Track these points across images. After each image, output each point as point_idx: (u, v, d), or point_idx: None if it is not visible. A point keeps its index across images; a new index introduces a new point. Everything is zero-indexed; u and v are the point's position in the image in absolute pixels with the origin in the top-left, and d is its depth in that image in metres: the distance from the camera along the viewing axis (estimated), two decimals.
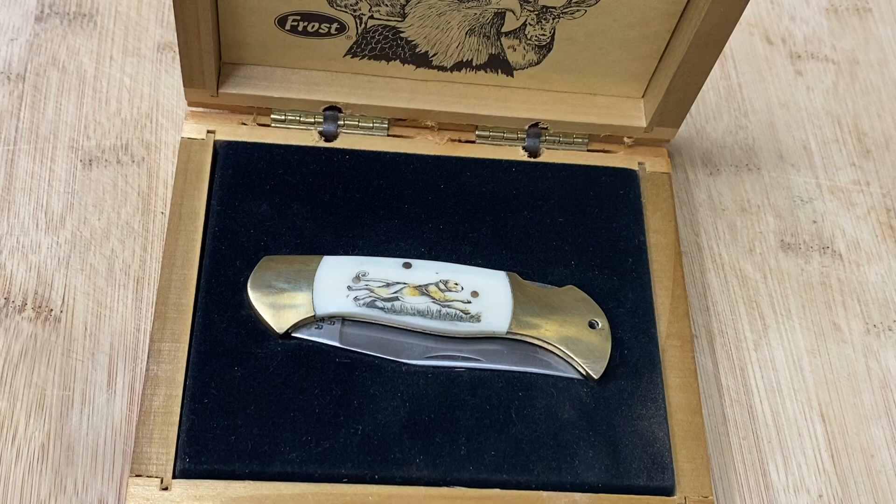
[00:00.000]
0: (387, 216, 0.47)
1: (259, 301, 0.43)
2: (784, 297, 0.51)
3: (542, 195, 0.49)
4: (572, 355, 0.44)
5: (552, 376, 0.44)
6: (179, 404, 0.41)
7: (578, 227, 0.48)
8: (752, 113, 0.57)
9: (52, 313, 0.46)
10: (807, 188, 0.55)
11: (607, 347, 0.44)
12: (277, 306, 0.43)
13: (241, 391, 0.42)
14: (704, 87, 0.56)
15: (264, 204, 0.46)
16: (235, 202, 0.46)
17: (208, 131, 0.48)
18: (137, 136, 0.51)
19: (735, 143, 0.56)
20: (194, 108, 0.48)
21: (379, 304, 0.43)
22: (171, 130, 0.50)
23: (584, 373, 0.44)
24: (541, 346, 0.44)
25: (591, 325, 0.45)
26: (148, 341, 0.44)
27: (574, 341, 0.44)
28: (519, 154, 0.50)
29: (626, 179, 0.50)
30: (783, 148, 0.56)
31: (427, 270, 0.44)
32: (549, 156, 0.50)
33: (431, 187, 0.48)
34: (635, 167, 0.50)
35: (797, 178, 0.55)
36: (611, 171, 0.50)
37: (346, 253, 0.46)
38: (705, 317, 0.50)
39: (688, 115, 0.54)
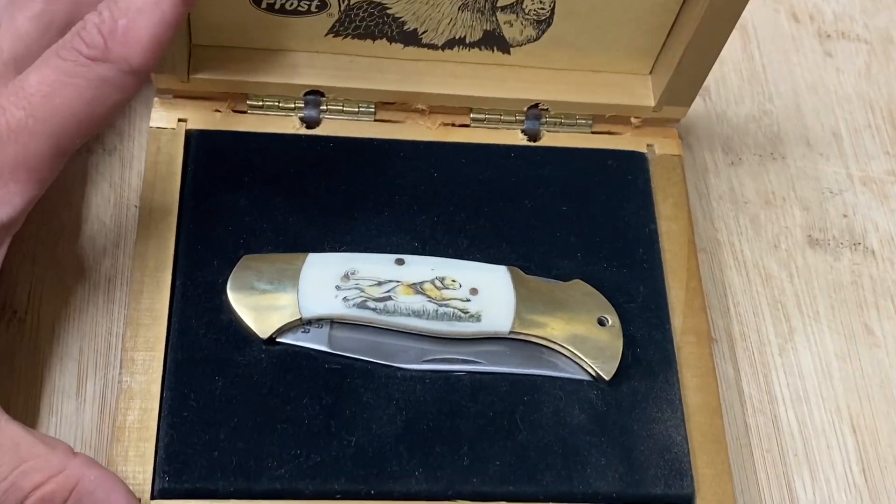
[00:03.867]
0: (376, 208, 0.49)
1: (240, 304, 0.45)
2: (812, 297, 0.52)
3: (544, 182, 0.51)
4: (581, 355, 0.46)
5: (560, 378, 0.46)
6: (156, 418, 0.43)
7: (584, 215, 0.50)
8: (778, 97, 0.57)
9: (16, 315, 0.47)
10: (836, 179, 0.56)
11: (618, 346, 0.46)
12: (260, 309, 0.45)
13: (222, 402, 0.43)
14: (725, 69, 0.58)
15: (242, 198, 0.48)
16: (211, 197, 0.48)
17: (179, 120, 0.49)
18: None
19: (758, 130, 0.56)
20: (164, 96, 0.49)
21: (370, 304, 0.45)
22: (147, 117, 0.51)
23: (594, 374, 0.46)
24: (546, 346, 0.46)
25: (601, 322, 0.47)
26: (120, 346, 0.45)
27: (582, 340, 0.46)
28: (518, 138, 0.52)
29: (634, 163, 0.52)
30: (811, 135, 0.57)
31: (421, 267, 0.46)
32: (550, 139, 0.52)
33: (424, 176, 0.50)
34: (644, 149, 0.52)
35: (826, 167, 0.56)
36: (617, 155, 0.52)
37: (333, 249, 0.47)
38: (726, 319, 0.51)
39: (707, 98, 0.56)
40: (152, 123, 0.49)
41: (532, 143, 0.52)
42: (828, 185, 0.56)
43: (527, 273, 0.47)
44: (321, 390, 0.44)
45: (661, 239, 0.50)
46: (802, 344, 0.51)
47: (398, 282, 0.45)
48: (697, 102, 0.52)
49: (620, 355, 0.46)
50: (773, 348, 0.51)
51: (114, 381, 0.45)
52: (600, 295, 0.47)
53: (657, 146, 0.52)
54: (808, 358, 0.51)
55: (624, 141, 0.52)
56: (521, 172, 0.51)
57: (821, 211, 0.55)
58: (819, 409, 0.50)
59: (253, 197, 0.48)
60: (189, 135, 0.49)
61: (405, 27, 0.49)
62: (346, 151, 0.50)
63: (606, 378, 0.46)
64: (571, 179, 0.51)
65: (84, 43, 0.37)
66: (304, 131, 0.50)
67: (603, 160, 0.52)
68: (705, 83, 0.54)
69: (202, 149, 0.49)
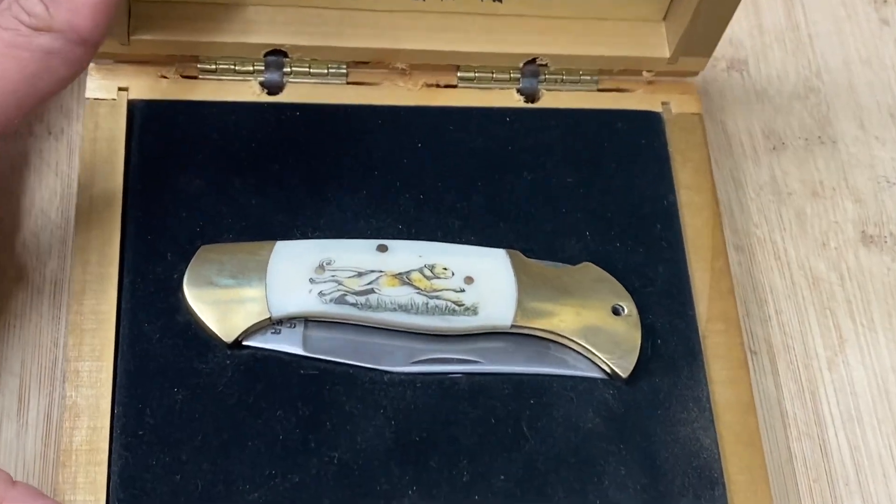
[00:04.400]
0: (352, 187, 0.47)
1: (199, 303, 0.44)
2: (865, 302, 0.52)
3: (545, 150, 0.49)
4: (594, 350, 0.44)
5: (570, 377, 0.45)
6: (107, 438, 0.41)
7: (592, 187, 0.49)
8: (827, 72, 0.57)
9: None
10: (895, 166, 0.55)
11: (636, 338, 0.45)
12: (222, 308, 0.43)
13: (183, 418, 0.42)
14: (766, 39, 0.57)
15: (197, 179, 0.47)
16: (160, 178, 0.46)
17: (120, 89, 0.48)
18: (56, 101, 0.51)
19: (804, 110, 0.56)
20: (100, 62, 0.47)
21: (350, 298, 0.43)
22: None
23: (609, 371, 0.45)
24: (554, 341, 0.45)
25: (615, 311, 0.45)
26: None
27: (595, 332, 0.45)
28: (513, 99, 0.50)
29: (648, 124, 0.50)
30: (865, 116, 0.56)
31: (408, 253, 0.45)
32: (550, 99, 0.51)
33: (406, 147, 0.48)
34: (658, 108, 0.51)
35: (882, 153, 0.55)
36: (628, 116, 0.50)
37: (305, 236, 0.46)
38: (766, 328, 0.50)
39: (744, 73, 0.55)
40: (88, 94, 0.47)
41: (530, 105, 0.50)
42: (884, 173, 0.55)
43: (529, 257, 0.46)
44: (297, 400, 0.43)
45: (680, 212, 0.49)
46: (855, 357, 0.50)
47: (381, 272, 0.44)
48: (734, 78, 0.52)
49: (639, 349, 0.45)
50: (821, 362, 0.50)
51: (61, 399, 0.44)
52: (614, 279, 0.46)
53: (673, 104, 0.51)
54: (861, 373, 0.50)
55: (635, 99, 0.51)
56: (519, 140, 0.49)
57: (876, 203, 0.54)
58: (874, 431, 0.49)
59: (209, 177, 0.47)
60: (132, 106, 0.48)
61: None
62: (314, 121, 0.48)
63: (623, 375, 0.44)
64: (576, 146, 0.49)
65: (24, 10, 0.36)
66: (265, 98, 0.49)
67: (611, 122, 0.50)
68: (743, 56, 0.55)
69: (148, 122, 0.47)
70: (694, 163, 0.50)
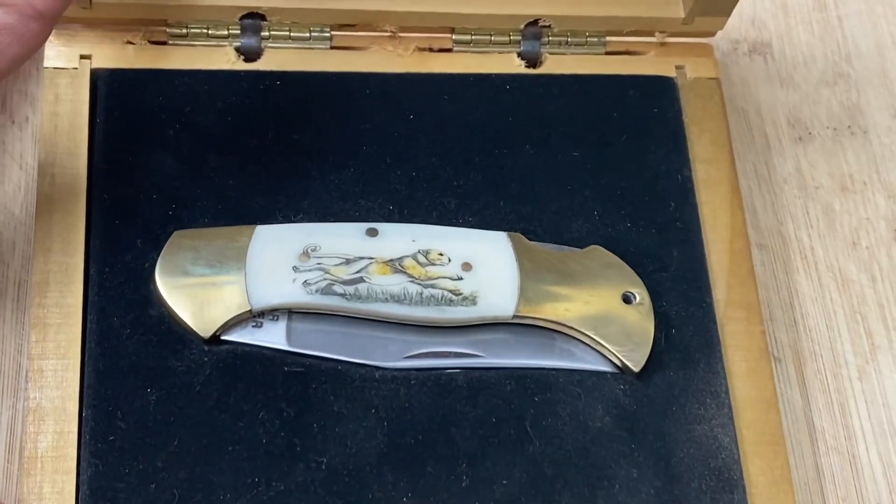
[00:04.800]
0: (339, 163, 0.46)
1: (173, 294, 0.43)
2: None
3: (549, 120, 0.48)
4: (603, 342, 0.44)
5: (577, 371, 0.44)
6: (75, 444, 0.41)
7: (600, 162, 0.48)
8: (857, 57, 0.56)
9: None
10: None
11: (649, 328, 0.44)
12: (199, 300, 0.43)
13: (158, 421, 0.41)
14: (791, 21, 0.56)
15: (169, 156, 0.45)
16: (129, 157, 0.45)
17: (82, 57, 0.47)
18: (20, 87, 0.50)
19: (833, 98, 0.55)
20: (61, 27, 0.46)
21: (337, 288, 0.42)
22: None
23: (619, 364, 0.44)
24: (560, 332, 0.44)
25: (626, 299, 0.44)
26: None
27: (604, 322, 0.44)
28: (514, 64, 0.50)
29: (661, 91, 0.49)
30: None
31: (400, 238, 0.44)
32: (554, 64, 0.50)
33: (397, 119, 0.48)
34: (672, 73, 0.50)
35: None
36: (639, 81, 0.49)
37: (288, 219, 0.45)
38: (792, 334, 0.49)
39: (768, 58, 0.54)
40: (46, 63, 0.46)
41: (532, 71, 0.50)
42: None
43: (532, 240, 0.45)
44: (281, 400, 0.42)
45: (696, 187, 0.48)
46: (888, 365, 0.49)
47: (371, 258, 0.43)
48: (756, 62, 0.52)
49: (652, 340, 0.44)
50: (852, 371, 0.49)
51: (26, 409, 0.43)
52: (624, 264, 0.45)
53: (689, 68, 0.50)
54: (894, 383, 0.49)
55: (647, 63, 0.50)
56: (520, 109, 0.48)
57: None
58: None
59: (182, 154, 0.46)
60: (95, 76, 0.47)
61: None
62: (296, 90, 0.47)
63: (635, 369, 0.44)
64: (583, 115, 0.49)
65: None
66: (241, 66, 0.48)
67: (621, 89, 0.49)
68: (766, 39, 0.54)
69: (113, 93, 0.46)
70: (711, 133, 0.49)
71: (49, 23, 0.37)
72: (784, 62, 0.55)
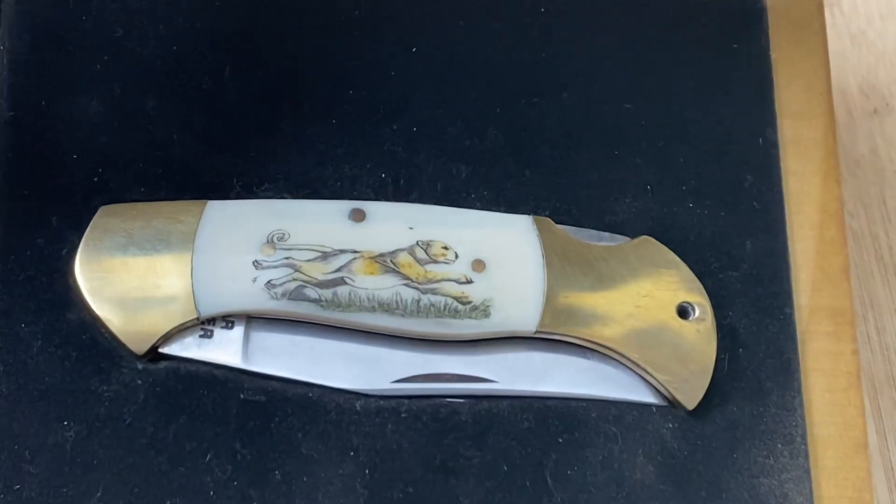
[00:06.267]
0: (316, 114, 0.41)
1: (98, 294, 0.37)
2: None
3: (593, 58, 0.42)
4: (649, 368, 0.38)
5: (615, 404, 0.39)
6: None
7: (657, 118, 0.42)
8: None
9: None
10: None
11: (709, 352, 0.38)
12: (132, 302, 0.37)
13: (77, 465, 0.37)
14: None
15: (94, 100, 0.40)
16: (39, 99, 0.40)
17: None
18: None
19: None
20: None
21: (310, 292, 0.37)
22: None
23: (669, 397, 0.39)
24: (595, 351, 0.39)
25: (683, 312, 0.39)
26: None
27: (653, 342, 0.38)
28: None
29: (742, 19, 0.43)
30: None
31: (393, 223, 0.38)
32: None
33: (393, 53, 0.42)
34: None
35: None
36: (713, 6, 0.43)
37: (248, 191, 0.40)
38: (865, 351, 0.45)
39: (836, 11, 0.50)
40: None
41: None
42: None
43: (564, 224, 0.40)
44: (234, 438, 0.37)
45: (782, 151, 0.42)
46: None
47: (355, 252, 0.37)
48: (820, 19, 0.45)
49: (712, 368, 0.38)
50: None
51: None
52: (683, 264, 0.39)
53: None
54: None
55: None
56: (555, 41, 0.42)
57: None
58: None
59: (111, 99, 0.40)
60: None
61: None
62: (262, 10, 0.42)
63: (689, 406, 0.38)
64: (637, 54, 0.43)
65: None
66: None
67: (689, 16, 0.43)
68: None
69: (21, 20, 0.41)
70: (806, 77, 0.42)
71: None
72: (856, 17, 0.50)
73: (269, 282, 0.37)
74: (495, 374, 0.39)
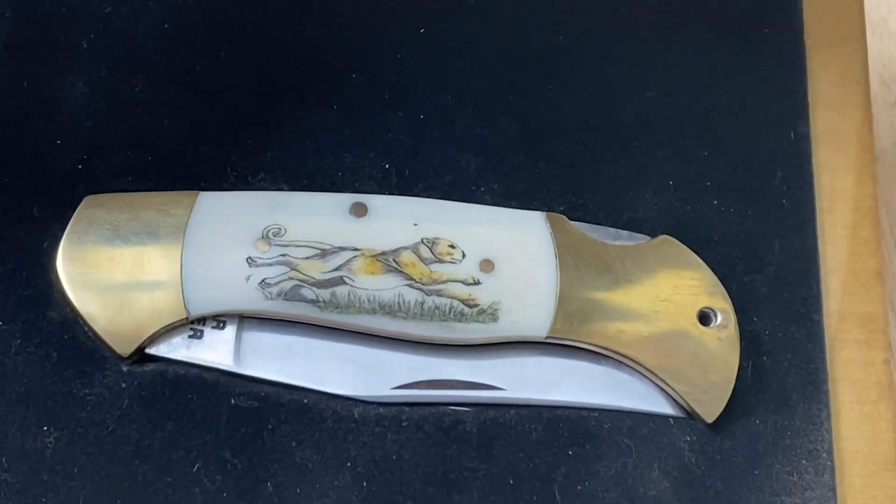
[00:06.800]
0: (316, 100, 0.40)
1: (82, 291, 0.36)
2: None
3: (615, 41, 0.41)
4: (666, 378, 0.37)
5: (629, 414, 0.38)
6: None
7: (679, 109, 0.41)
8: None
9: None
10: None
11: (732, 362, 0.37)
12: (117, 300, 0.36)
13: (57, 472, 0.36)
14: None
15: (79, 82, 0.39)
16: (21, 80, 0.39)
17: None
18: None
19: None
20: None
21: (307, 292, 0.36)
22: None
23: (687, 408, 0.38)
24: (609, 357, 0.38)
25: (704, 318, 0.37)
26: None
27: (671, 349, 0.37)
28: None
29: (773, 2, 0.41)
30: None
31: (396, 219, 0.37)
32: None
33: (399, 35, 0.41)
34: None
35: None
36: None
37: (243, 182, 0.39)
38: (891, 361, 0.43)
39: None
40: None
41: None
42: None
43: (579, 220, 0.38)
44: (224, 446, 0.36)
45: (814, 149, 0.40)
46: None
47: (356, 250, 0.36)
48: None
49: (734, 379, 0.37)
50: None
51: None
52: (705, 266, 0.38)
53: None
54: None
55: None
56: (573, 22, 0.41)
57: None
58: None
59: (97, 80, 0.39)
60: None
61: None
62: None
63: (708, 419, 0.37)
64: (661, 35, 0.41)
65: None
66: None
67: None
68: None
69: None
70: (841, 63, 0.41)
71: None
72: (876, 4, 0.48)
73: (263, 280, 0.36)
74: (502, 381, 0.38)
